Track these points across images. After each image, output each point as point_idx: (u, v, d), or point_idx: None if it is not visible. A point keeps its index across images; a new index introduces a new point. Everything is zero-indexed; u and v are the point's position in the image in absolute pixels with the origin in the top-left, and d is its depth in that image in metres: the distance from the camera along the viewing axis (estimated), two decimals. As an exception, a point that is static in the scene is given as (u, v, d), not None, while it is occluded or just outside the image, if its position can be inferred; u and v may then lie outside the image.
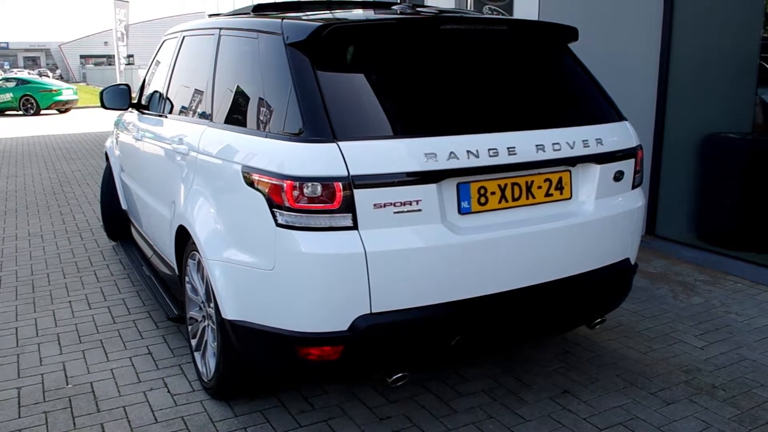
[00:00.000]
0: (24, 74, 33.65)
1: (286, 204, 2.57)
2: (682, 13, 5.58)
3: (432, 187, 2.67)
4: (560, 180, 3.04)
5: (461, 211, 2.78)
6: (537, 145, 2.92)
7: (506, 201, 2.89)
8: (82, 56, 74.63)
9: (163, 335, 4.10)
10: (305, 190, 2.54)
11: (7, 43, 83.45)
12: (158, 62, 4.80)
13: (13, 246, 6.14)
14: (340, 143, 2.57)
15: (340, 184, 2.53)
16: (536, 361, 3.70)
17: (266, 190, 2.65)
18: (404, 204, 2.61)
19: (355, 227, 2.57)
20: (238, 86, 3.31)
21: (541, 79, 3.36)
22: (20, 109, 23.47)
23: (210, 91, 3.54)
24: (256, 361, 3.06)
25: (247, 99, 3.18)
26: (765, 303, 4.56)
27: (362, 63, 2.90)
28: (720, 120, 5.70)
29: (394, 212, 2.60)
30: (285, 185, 2.57)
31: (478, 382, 3.49)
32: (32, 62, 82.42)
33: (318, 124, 2.62)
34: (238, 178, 2.84)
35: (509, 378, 3.53)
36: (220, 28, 3.60)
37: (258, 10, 3.52)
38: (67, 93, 24.44)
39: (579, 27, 3.49)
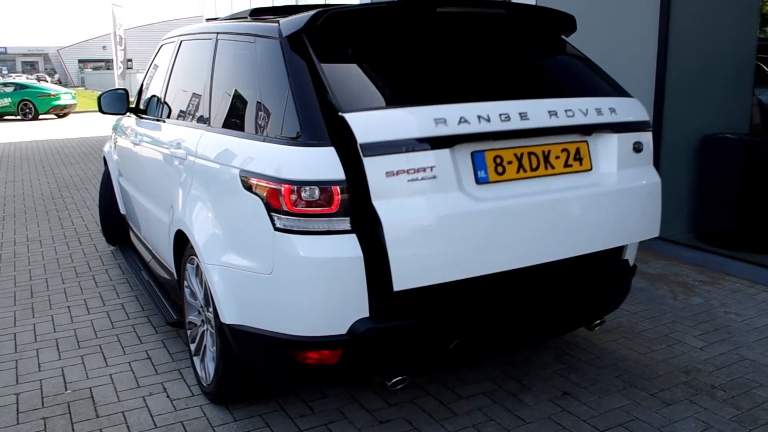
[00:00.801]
0: (22, 79, 33.64)
1: (284, 208, 2.57)
2: (679, 14, 5.59)
3: (445, 153, 2.61)
4: (578, 151, 2.99)
5: (479, 181, 2.73)
6: (549, 111, 2.88)
7: (524, 171, 2.84)
8: (80, 61, 74.66)
9: (162, 340, 4.09)
10: (303, 194, 2.54)
11: (5, 47, 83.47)
12: (156, 67, 4.80)
13: (11, 251, 6.13)
14: (345, 114, 2.53)
15: (338, 187, 2.53)
16: (536, 363, 3.70)
17: (264, 194, 2.65)
18: (417, 171, 2.55)
19: (353, 231, 2.57)
20: (235, 90, 3.31)
21: (547, 58, 3.40)
22: (18, 114, 23.48)
23: (207, 95, 3.54)
24: (256, 366, 3.06)
25: (244, 103, 3.18)
26: (764, 303, 4.56)
27: (362, 46, 2.92)
28: (717, 121, 5.70)
29: (408, 180, 2.54)
30: (283, 189, 2.57)
31: (477, 384, 3.48)
32: (30, 67, 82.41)
33: (315, 128, 2.62)
34: (236, 183, 2.84)
35: (509, 380, 3.52)
36: (218, 33, 3.60)
37: (255, 14, 3.52)
38: (65, 98, 24.44)
39: (577, 32, 3.50)
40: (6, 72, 65.66)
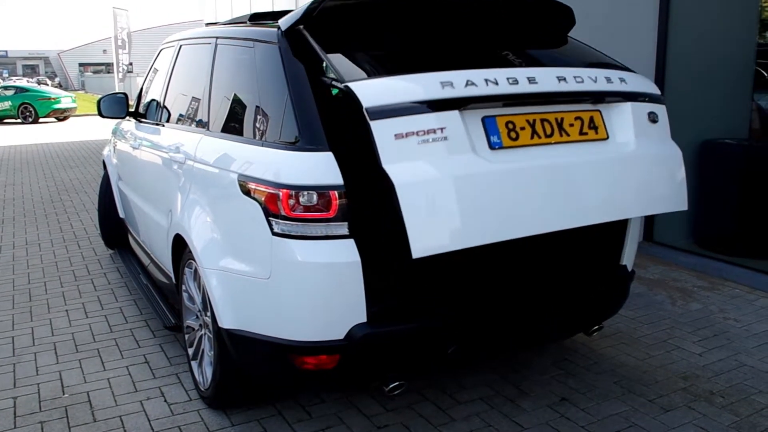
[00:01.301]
0: (23, 82, 33.69)
1: (282, 213, 2.57)
2: (678, 19, 5.60)
3: (454, 114, 2.53)
4: (592, 120, 2.91)
5: (492, 146, 2.64)
6: (558, 77, 2.82)
7: (539, 137, 2.75)
8: (80, 64, 74.74)
9: (160, 344, 4.09)
10: (301, 199, 2.54)
11: (6, 51, 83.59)
12: (155, 71, 4.81)
13: (10, 254, 6.13)
14: (349, 83, 2.49)
15: (336, 192, 2.53)
16: (534, 369, 3.70)
17: (262, 199, 2.65)
18: (428, 133, 2.46)
19: (351, 236, 2.57)
20: (234, 95, 3.31)
21: (553, 37, 3.41)
22: (19, 117, 23.49)
23: (207, 99, 3.54)
24: (253, 370, 3.06)
25: (243, 108, 3.19)
26: (763, 309, 4.56)
27: (363, 28, 2.92)
28: (717, 126, 5.71)
29: (419, 142, 2.45)
30: (281, 194, 2.57)
31: (476, 389, 3.48)
32: (31, 70, 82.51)
33: (314, 133, 2.62)
34: (235, 187, 2.84)
35: (507, 386, 3.52)
36: (217, 37, 3.60)
37: (254, 19, 3.52)
38: (65, 101, 24.45)
39: (574, 34, 3.50)
40: (7, 75, 65.74)
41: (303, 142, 2.62)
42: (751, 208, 5.47)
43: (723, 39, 5.50)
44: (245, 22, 3.53)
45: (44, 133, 19.24)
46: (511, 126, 2.71)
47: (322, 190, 2.54)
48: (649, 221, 5.92)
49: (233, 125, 3.19)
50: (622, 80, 3.01)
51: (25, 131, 20.15)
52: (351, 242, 2.57)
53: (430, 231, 2.44)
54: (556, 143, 2.79)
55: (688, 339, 4.09)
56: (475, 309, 2.87)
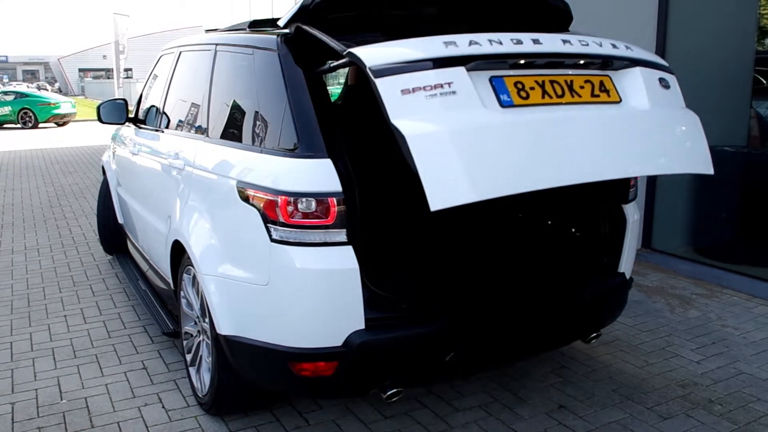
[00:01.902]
0: (22, 87, 33.71)
1: (281, 219, 2.58)
2: (676, 26, 5.62)
3: (460, 70, 2.45)
4: (602, 83, 2.82)
5: (503, 104, 2.55)
6: (563, 40, 2.77)
7: (550, 97, 2.66)
8: (80, 70, 74.77)
9: (159, 350, 4.08)
10: (299, 206, 2.55)
11: (6, 56, 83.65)
12: (155, 77, 4.82)
13: (9, 260, 6.13)
14: (350, 49, 2.44)
15: (335, 199, 2.54)
16: (532, 376, 3.69)
17: (261, 206, 2.66)
18: (435, 87, 2.38)
19: (349, 242, 2.57)
20: (233, 101, 3.32)
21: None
22: (18, 123, 23.49)
23: (206, 106, 3.55)
24: (251, 377, 3.05)
25: (242, 114, 3.19)
26: (761, 317, 4.56)
27: (360, 22, 2.92)
28: (715, 133, 5.70)
29: (427, 97, 2.37)
30: (279, 200, 2.57)
31: (473, 397, 3.48)
32: (31, 75, 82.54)
33: (313, 140, 2.63)
34: (233, 194, 2.84)
35: (505, 393, 3.51)
36: (216, 44, 3.61)
37: (254, 25, 3.53)
38: (65, 106, 24.46)
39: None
40: (7, 80, 65.76)
41: (302, 149, 2.63)
42: (749, 215, 5.47)
43: (721, 46, 5.51)
44: (245, 29, 3.54)
45: (44, 139, 19.24)
46: (520, 86, 2.61)
47: (320, 197, 2.55)
48: (648, 229, 5.92)
49: (232, 132, 3.20)
50: (627, 47, 2.94)
51: (25, 136, 20.16)
52: (349, 249, 2.58)
53: (446, 183, 2.31)
54: (567, 104, 2.70)
55: (687, 346, 4.09)
56: (473, 316, 2.87)
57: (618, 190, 3.36)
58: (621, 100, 2.85)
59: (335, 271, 2.57)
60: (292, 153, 2.66)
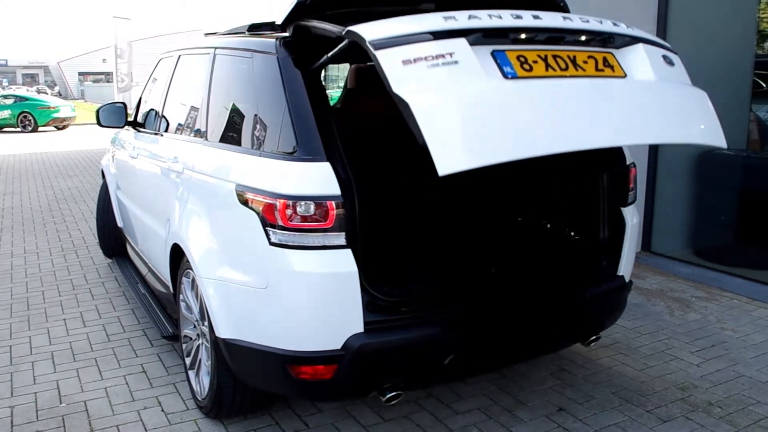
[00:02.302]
0: (22, 91, 33.70)
1: (280, 223, 2.58)
2: (675, 29, 5.62)
3: (461, 41, 2.41)
4: (605, 60, 2.76)
5: (506, 76, 2.48)
6: (563, 17, 2.73)
7: (553, 70, 2.59)
8: (80, 73, 74.79)
9: (158, 353, 4.08)
10: (298, 209, 2.55)
11: (6, 60, 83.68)
12: (154, 80, 4.82)
13: (8, 263, 6.12)
14: (350, 28, 2.41)
15: (333, 202, 2.54)
16: (531, 379, 3.69)
17: (260, 209, 2.66)
18: (437, 57, 2.34)
19: (348, 246, 2.57)
20: (232, 105, 3.32)
21: None
22: (18, 126, 23.50)
23: (205, 109, 3.55)
24: (250, 380, 3.05)
25: (241, 118, 3.20)
26: (761, 319, 4.56)
27: (358, 14, 2.87)
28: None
29: (429, 66, 2.33)
30: (278, 204, 2.58)
31: (473, 399, 3.47)
32: (31, 79, 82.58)
33: (311, 144, 2.63)
34: (232, 197, 2.84)
35: (504, 396, 3.51)
36: (215, 48, 3.62)
37: (253, 29, 3.54)
38: (65, 110, 24.47)
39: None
40: (6, 84, 65.78)
41: (301, 153, 2.63)
42: (749, 218, 5.48)
43: (721, 49, 5.52)
44: (244, 33, 3.54)
45: (43, 142, 19.25)
46: (522, 59, 2.56)
47: (319, 201, 2.55)
48: (647, 231, 5.93)
49: (231, 135, 3.20)
50: (629, 26, 2.91)
51: (25, 140, 20.16)
52: (348, 252, 2.58)
53: (452, 148, 2.25)
54: (572, 77, 2.63)
55: (686, 349, 4.09)
56: (473, 318, 2.87)
57: (617, 192, 3.36)
58: (626, 75, 2.80)
59: (334, 274, 2.57)
60: (291, 156, 2.66)
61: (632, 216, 3.41)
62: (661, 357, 3.98)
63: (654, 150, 5.85)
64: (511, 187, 4.15)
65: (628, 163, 3.37)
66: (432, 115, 2.23)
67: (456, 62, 2.37)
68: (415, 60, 2.32)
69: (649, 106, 2.75)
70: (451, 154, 2.23)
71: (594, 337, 3.42)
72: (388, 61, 2.30)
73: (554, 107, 2.50)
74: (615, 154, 3.39)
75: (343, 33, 2.47)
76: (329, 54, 2.68)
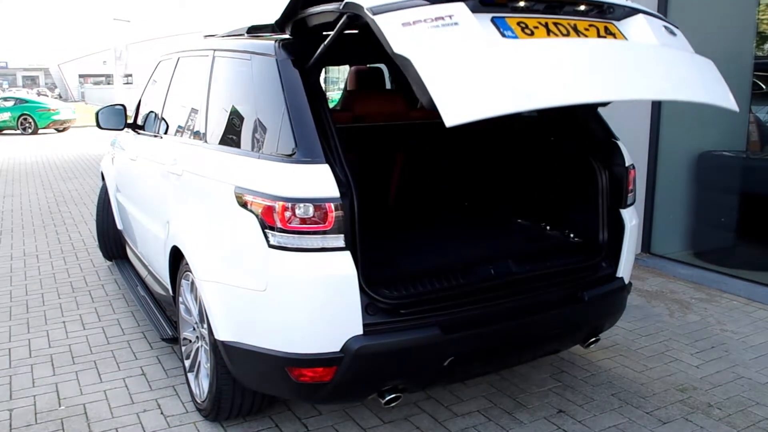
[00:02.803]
0: (22, 93, 33.72)
1: (278, 225, 2.58)
2: (675, 32, 5.62)
3: (461, 5, 2.40)
4: (606, 28, 2.73)
5: (508, 38, 2.46)
6: None
7: (555, 35, 2.57)
8: (80, 75, 74.82)
9: (157, 356, 4.08)
10: (297, 211, 2.55)
11: (6, 62, 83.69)
12: (154, 83, 4.82)
13: (8, 266, 6.12)
14: (348, 0, 2.39)
15: (332, 205, 2.54)
16: (531, 381, 3.69)
17: (259, 211, 2.66)
18: (436, 19, 2.33)
19: (347, 248, 2.57)
20: (232, 107, 3.32)
21: None
22: (18, 129, 23.51)
23: (204, 111, 3.55)
24: (249, 383, 3.05)
25: (240, 120, 3.20)
26: (761, 321, 4.56)
27: None
28: (714, 138, 5.72)
29: (428, 27, 2.31)
30: (277, 206, 2.58)
31: (473, 401, 3.47)
32: (31, 81, 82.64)
33: (310, 146, 2.63)
34: (231, 199, 2.84)
35: (504, 398, 3.51)
36: (215, 50, 3.62)
37: (252, 31, 3.54)
38: (65, 112, 24.47)
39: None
40: (7, 86, 65.80)
41: (300, 155, 2.63)
42: (748, 219, 5.47)
43: (720, 51, 5.51)
44: (243, 35, 3.54)
45: (43, 145, 19.25)
46: (523, 25, 2.54)
47: (318, 203, 2.55)
48: (647, 233, 5.93)
49: (230, 137, 3.20)
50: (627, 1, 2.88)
51: (25, 142, 20.16)
52: (347, 254, 2.58)
53: (457, 99, 2.21)
54: (574, 39, 2.61)
55: (686, 351, 4.09)
56: (471, 320, 2.87)
57: (616, 194, 3.36)
58: (628, 40, 2.77)
59: (333, 276, 2.57)
60: (290, 158, 2.66)
61: (632, 217, 3.41)
62: (660, 358, 3.98)
63: (654, 150, 5.85)
64: (510, 188, 4.15)
65: (627, 164, 3.37)
66: (435, 69, 2.21)
67: (456, 24, 2.37)
68: (414, 22, 2.32)
69: (655, 65, 2.71)
70: (457, 105, 2.19)
71: (593, 339, 3.42)
72: (387, 24, 2.29)
73: (556, 63, 2.46)
74: (614, 153, 3.39)
75: (341, 6, 2.47)
76: (329, 37, 2.65)
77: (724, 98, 2.77)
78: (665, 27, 2.91)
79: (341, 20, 2.53)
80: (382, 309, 2.68)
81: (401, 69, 2.26)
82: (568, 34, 2.61)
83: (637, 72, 2.64)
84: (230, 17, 16.01)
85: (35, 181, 11.66)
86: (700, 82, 2.78)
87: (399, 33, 2.28)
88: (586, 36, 2.65)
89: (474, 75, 2.28)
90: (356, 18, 2.44)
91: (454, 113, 2.14)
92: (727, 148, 5.68)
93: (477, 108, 2.20)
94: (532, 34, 2.53)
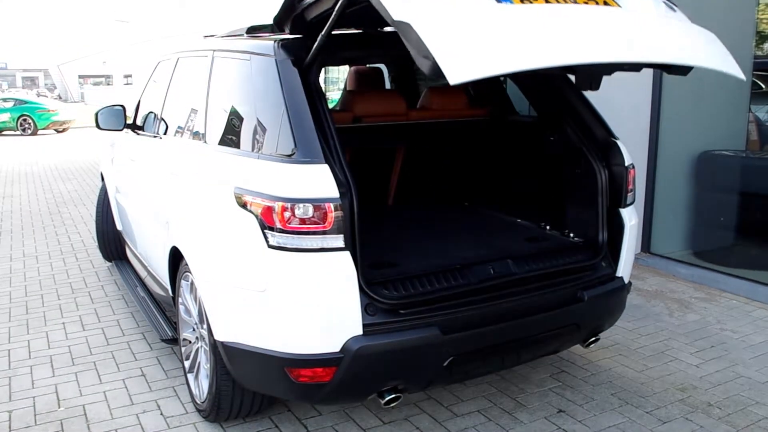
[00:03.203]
0: (21, 94, 33.71)
1: (278, 225, 2.58)
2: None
3: None
4: (605, 2, 2.68)
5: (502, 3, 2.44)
6: None
7: (549, 2, 2.53)
8: (80, 76, 74.78)
9: (157, 357, 4.08)
10: (297, 212, 2.55)
11: (6, 63, 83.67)
12: (153, 83, 4.82)
13: (7, 267, 6.12)
14: None
15: (332, 205, 2.54)
16: (531, 381, 3.69)
17: (258, 212, 2.66)
18: None
19: (346, 248, 2.57)
20: (231, 107, 3.32)
21: None
22: (18, 129, 23.49)
23: (203, 112, 3.55)
24: (249, 383, 3.05)
25: (240, 120, 3.20)
26: (760, 320, 4.55)
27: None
28: (714, 137, 5.72)
29: None
30: (277, 207, 2.58)
31: (473, 402, 3.47)
32: (30, 82, 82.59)
33: (310, 146, 2.63)
34: (231, 200, 2.84)
35: (504, 398, 3.51)
36: (214, 50, 3.61)
37: (251, 32, 3.54)
38: (64, 113, 24.46)
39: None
40: (6, 87, 65.77)
41: (299, 155, 2.63)
42: (748, 219, 5.47)
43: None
44: (242, 35, 3.54)
45: (43, 145, 19.24)
46: None
47: (317, 203, 2.55)
48: (647, 232, 5.92)
49: (230, 138, 3.20)
50: None
51: (24, 143, 20.15)
52: (347, 255, 2.58)
53: (460, 58, 2.18)
54: (570, 4, 2.58)
55: (686, 350, 4.08)
56: (471, 320, 2.87)
57: (616, 193, 3.36)
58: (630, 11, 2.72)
59: (333, 276, 2.57)
60: (289, 159, 2.66)
61: (631, 217, 3.41)
62: (660, 358, 3.98)
63: (653, 150, 5.85)
64: (510, 188, 4.15)
65: (627, 164, 3.36)
66: (435, 30, 2.20)
67: None
68: None
69: (657, 30, 2.68)
70: (459, 64, 2.16)
71: (593, 339, 3.42)
72: None
73: (556, 25, 2.44)
74: (614, 153, 3.39)
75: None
76: (331, 19, 2.60)
77: (731, 65, 2.73)
78: (665, 3, 2.89)
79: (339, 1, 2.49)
80: (381, 309, 2.69)
81: (401, 37, 2.24)
82: (565, 2, 2.57)
83: (640, 36, 2.60)
84: (230, 17, 16.01)
85: (35, 181, 11.65)
86: (703, 49, 2.74)
87: (396, 1, 2.26)
88: (586, 3, 2.61)
89: (475, 36, 2.27)
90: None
91: (457, 72, 2.12)
92: (727, 147, 5.68)
93: (479, 67, 2.18)
94: (524, 1, 2.49)
